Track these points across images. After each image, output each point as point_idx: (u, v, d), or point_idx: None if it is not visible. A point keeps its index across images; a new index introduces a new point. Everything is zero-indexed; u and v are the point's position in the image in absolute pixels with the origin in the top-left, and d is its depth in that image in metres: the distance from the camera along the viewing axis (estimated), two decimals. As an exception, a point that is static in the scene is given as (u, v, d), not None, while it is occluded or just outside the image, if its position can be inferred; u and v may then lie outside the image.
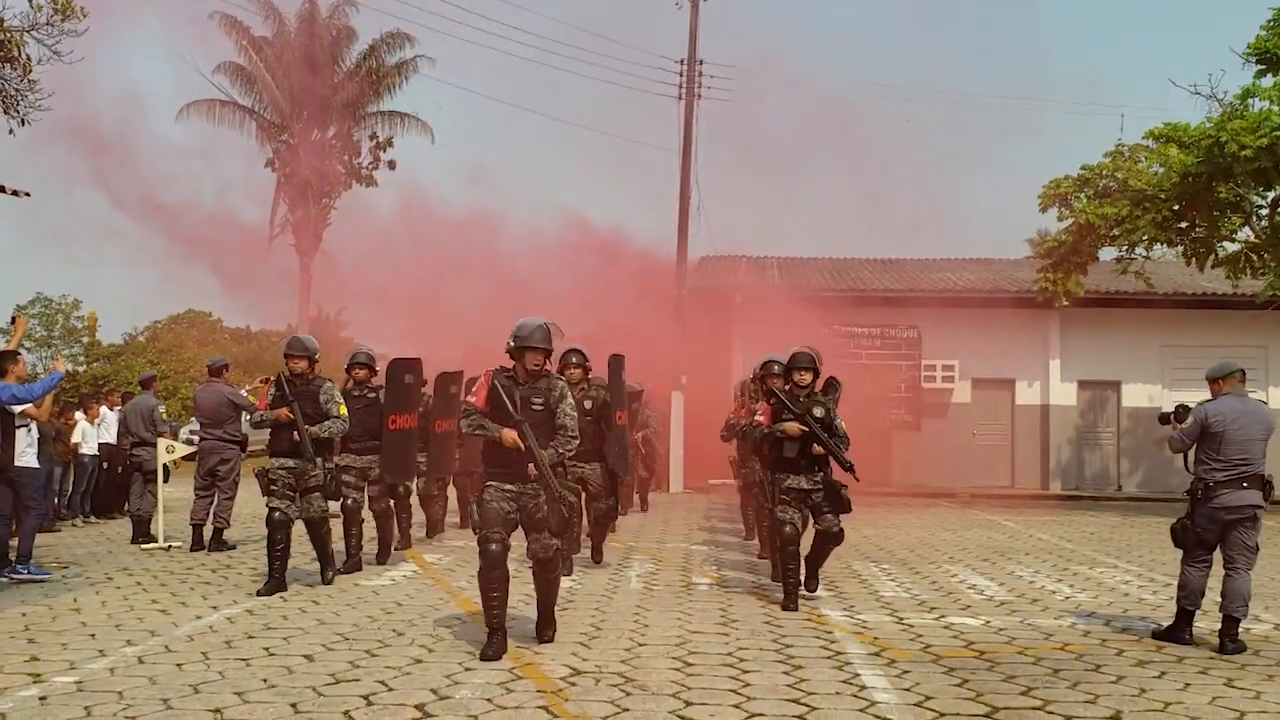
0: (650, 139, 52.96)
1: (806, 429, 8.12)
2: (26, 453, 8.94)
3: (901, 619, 7.85)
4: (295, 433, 8.46)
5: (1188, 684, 6.03)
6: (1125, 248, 18.50)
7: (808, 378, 8.34)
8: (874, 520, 15.18)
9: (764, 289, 23.94)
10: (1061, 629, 7.60)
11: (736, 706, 5.35)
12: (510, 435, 6.41)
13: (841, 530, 8.35)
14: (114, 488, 15.20)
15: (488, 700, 5.34)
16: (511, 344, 6.59)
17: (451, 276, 26.37)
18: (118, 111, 30.74)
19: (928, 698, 5.61)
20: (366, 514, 10.09)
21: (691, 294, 23.98)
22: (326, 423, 8.64)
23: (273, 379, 8.91)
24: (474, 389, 6.70)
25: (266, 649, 6.46)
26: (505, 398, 6.45)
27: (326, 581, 8.81)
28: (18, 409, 8.57)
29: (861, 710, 5.33)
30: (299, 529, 8.83)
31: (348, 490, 9.64)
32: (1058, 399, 23.44)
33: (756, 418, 8.66)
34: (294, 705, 5.21)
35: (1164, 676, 6.20)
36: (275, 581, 8.41)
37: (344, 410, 8.78)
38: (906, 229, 48.79)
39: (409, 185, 36.68)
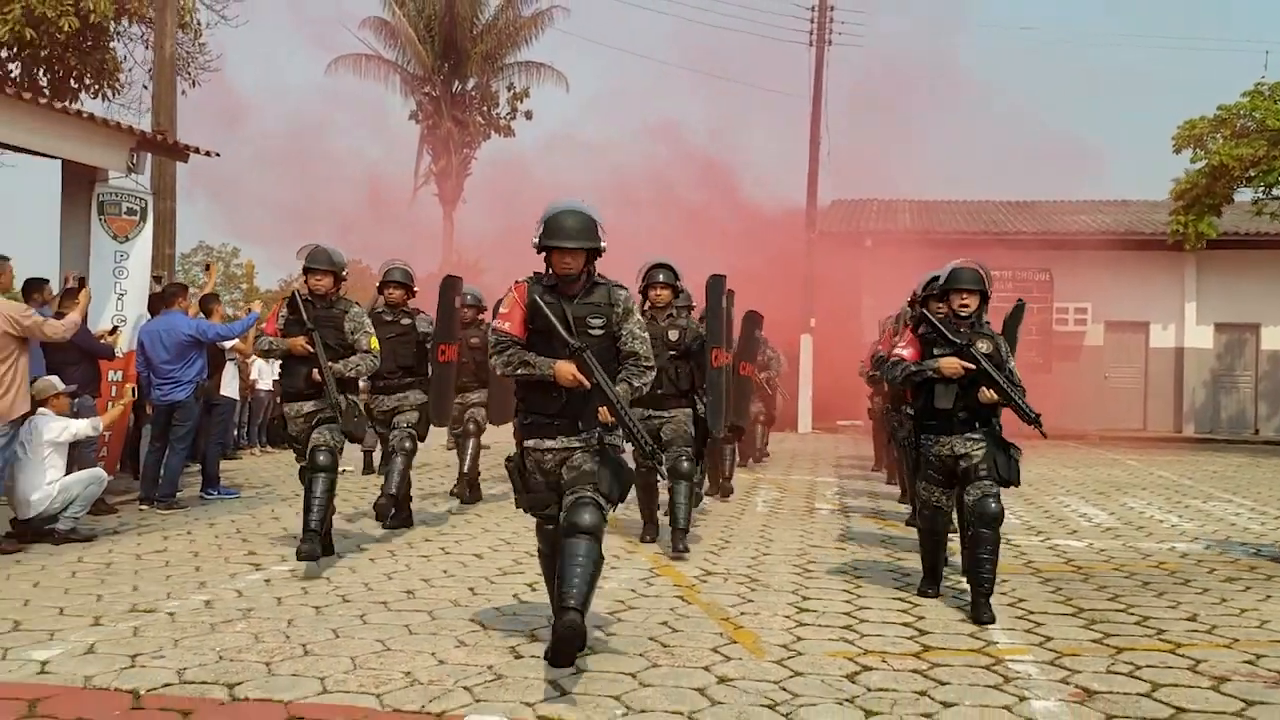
0: (779, 86, 52.79)
1: (971, 367, 5.79)
2: (230, 384, 10.25)
3: (1009, 540, 8.47)
4: (315, 370, 6.83)
5: (1269, 595, 6.56)
6: (1262, 189, 18.28)
7: (972, 303, 5.93)
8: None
9: (893, 233, 24.24)
10: (1160, 551, 8.14)
11: (847, 602, 6.14)
12: (568, 370, 4.57)
13: (1000, 509, 5.78)
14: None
15: (632, 591, 6.24)
16: (536, 240, 4.69)
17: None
18: (273, 70, 32.42)
19: (1021, 600, 6.30)
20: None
21: (821, 238, 24.46)
22: (354, 358, 6.95)
23: (285, 298, 7.20)
24: (502, 309, 4.91)
25: (442, 549, 7.52)
26: (554, 316, 4.64)
27: (302, 554, 6.53)
28: (227, 345, 9.82)
29: (958, 608, 6.05)
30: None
31: (385, 432, 8.21)
32: (1193, 341, 23.26)
33: (897, 351, 6.12)
34: (471, 589, 6.21)
35: (1249, 590, 6.73)
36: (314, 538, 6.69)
37: (375, 343, 7.09)
38: (1047, 171, 47.96)
39: (543, 134, 37.71)
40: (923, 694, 4.48)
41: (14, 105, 9.44)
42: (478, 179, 37.20)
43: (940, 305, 6.37)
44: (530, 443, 4.76)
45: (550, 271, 4.75)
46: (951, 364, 5.83)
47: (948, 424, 5.92)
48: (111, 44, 17.83)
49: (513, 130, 37.52)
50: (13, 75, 16.38)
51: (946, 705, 4.34)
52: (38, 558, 7.01)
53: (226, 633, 5.19)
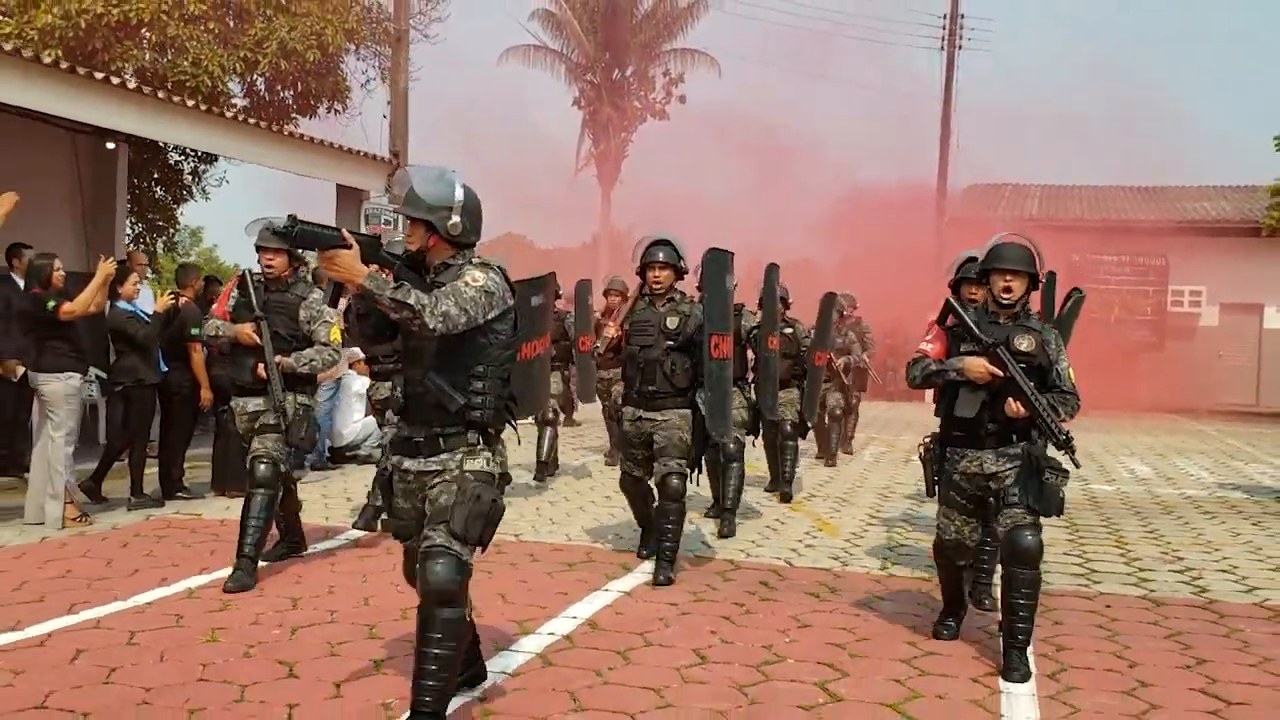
0: (909, 88, 54.64)
1: (1000, 372, 4.81)
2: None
3: (1054, 484, 11.02)
4: (260, 364, 6.11)
5: (1224, 521, 8.97)
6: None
7: (1017, 287, 4.92)
8: (1089, 425, 17.86)
9: (1020, 220, 26.27)
10: (1170, 494, 10.56)
11: (909, 513, 8.87)
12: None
13: (1038, 542, 4.84)
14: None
15: (757, 503, 9.09)
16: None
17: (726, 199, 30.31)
18: (450, 61, 36.04)
19: (1034, 518, 8.90)
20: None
21: (951, 224, 26.68)
22: (308, 351, 6.21)
23: (237, 278, 6.51)
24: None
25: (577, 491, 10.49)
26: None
27: (229, 587, 5.78)
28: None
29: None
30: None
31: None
32: (1309, 323, 24.72)
33: (921, 346, 5.17)
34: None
35: (1213, 518, 9.16)
36: (283, 546, 6.59)
37: (336, 334, 6.30)
38: (1180, 158, 48.74)
39: (699, 117, 40.32)
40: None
41: (307, 147, 12.82)
42: (633, 161, 40.20)
43: (974, 291, 5.60)
44: (393, 459, 3.96)
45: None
46: (977, 366, 4.83)
47: (974, 437, 4.93)
48: (342, 67, 21.41)
49: (667, 114, 40.35)
50: (262, 94, 20.05)
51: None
52: (357, 473, 10.27)
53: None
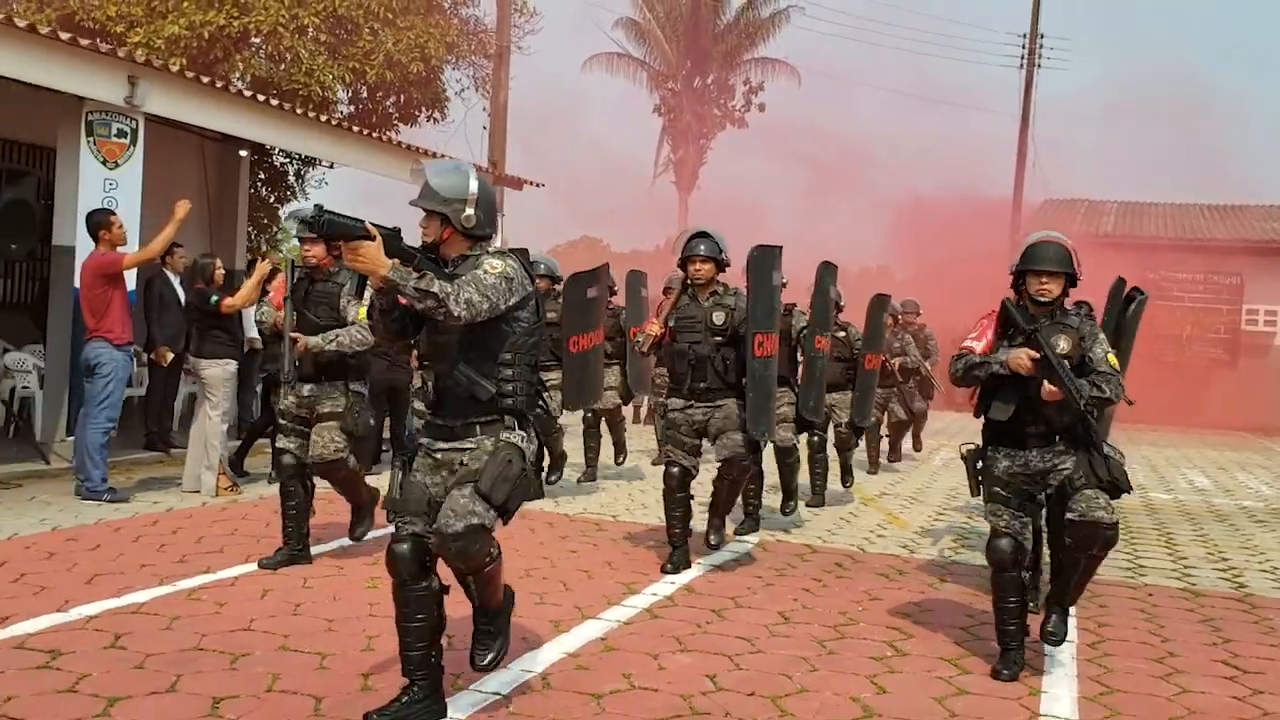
0: (987, 106, 55.16)
1: (1036, 356, 4.66)
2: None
3: (1114, 491, 11.60)
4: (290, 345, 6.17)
5: (1274, 531, 9.53)
6: None
7: (1054, 288, 4.85)
8: (1156, 440, 18.30)
9: (1094, 237, 26.60)
10: (1226, 504, 11.09)
11: (972, 512, 9.55)
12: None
13: (1114, 525, 4.80)
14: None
15: (841, 497, 9.83)
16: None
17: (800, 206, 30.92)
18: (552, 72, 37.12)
19: (1091, 520, 9.54)
20: None
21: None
22: (335, 331, 6.18)
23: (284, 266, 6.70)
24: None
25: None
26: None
27: (356, 538, 6.57)
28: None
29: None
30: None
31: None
32: (1386, 343, 24.74)
33: (966, 343, 5.03)
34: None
35: (1262, 525, 9.72)
36: (289, 551, 6.23)
37: (363, 313, 6.04)
38: (1257, 175, 48.35)
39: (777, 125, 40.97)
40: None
41: (412, 157, 13.78)
42: (711, 168, 41.03)
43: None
44: (424, 440, 4.04)
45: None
46: (1019, 358, 4.70)
47: (1017, 437, 4.88)
48: (442, 78, 22.51)
49: (746, 122, 41.08)
50: (365, 101, 21.19)
51: (1003, 554, 7.77)
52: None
53: (594, 495, 9.14)
